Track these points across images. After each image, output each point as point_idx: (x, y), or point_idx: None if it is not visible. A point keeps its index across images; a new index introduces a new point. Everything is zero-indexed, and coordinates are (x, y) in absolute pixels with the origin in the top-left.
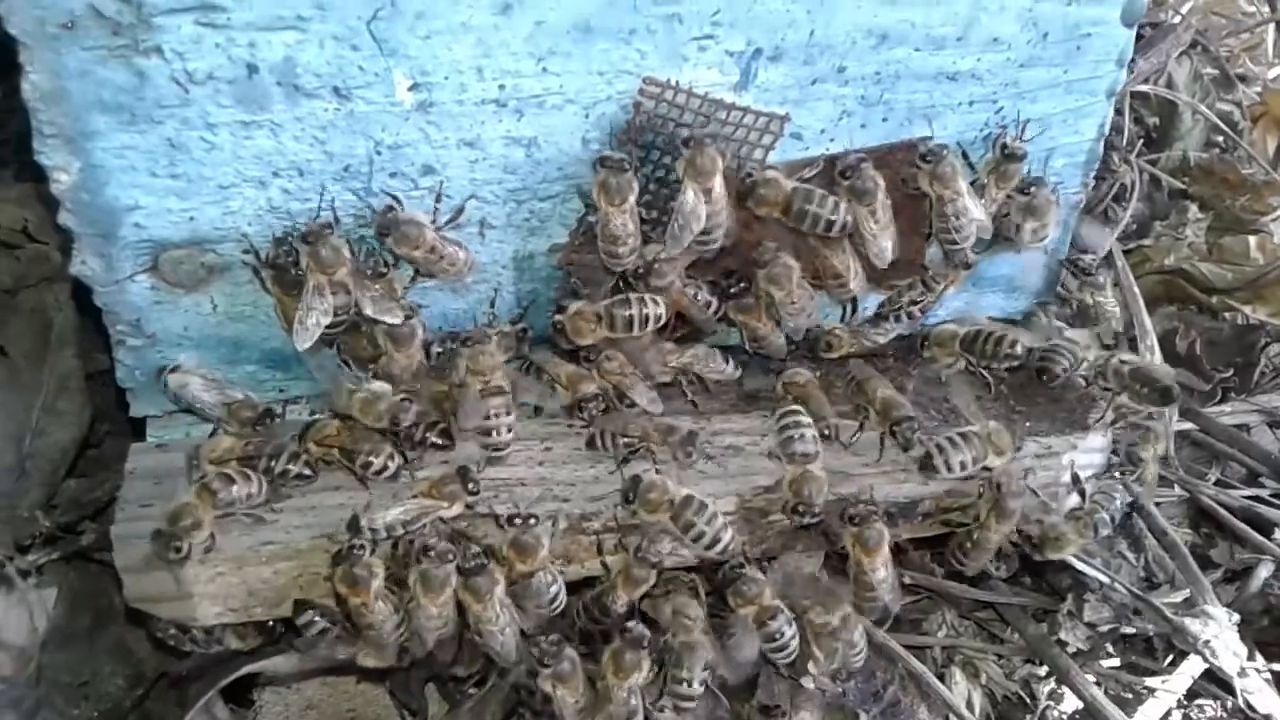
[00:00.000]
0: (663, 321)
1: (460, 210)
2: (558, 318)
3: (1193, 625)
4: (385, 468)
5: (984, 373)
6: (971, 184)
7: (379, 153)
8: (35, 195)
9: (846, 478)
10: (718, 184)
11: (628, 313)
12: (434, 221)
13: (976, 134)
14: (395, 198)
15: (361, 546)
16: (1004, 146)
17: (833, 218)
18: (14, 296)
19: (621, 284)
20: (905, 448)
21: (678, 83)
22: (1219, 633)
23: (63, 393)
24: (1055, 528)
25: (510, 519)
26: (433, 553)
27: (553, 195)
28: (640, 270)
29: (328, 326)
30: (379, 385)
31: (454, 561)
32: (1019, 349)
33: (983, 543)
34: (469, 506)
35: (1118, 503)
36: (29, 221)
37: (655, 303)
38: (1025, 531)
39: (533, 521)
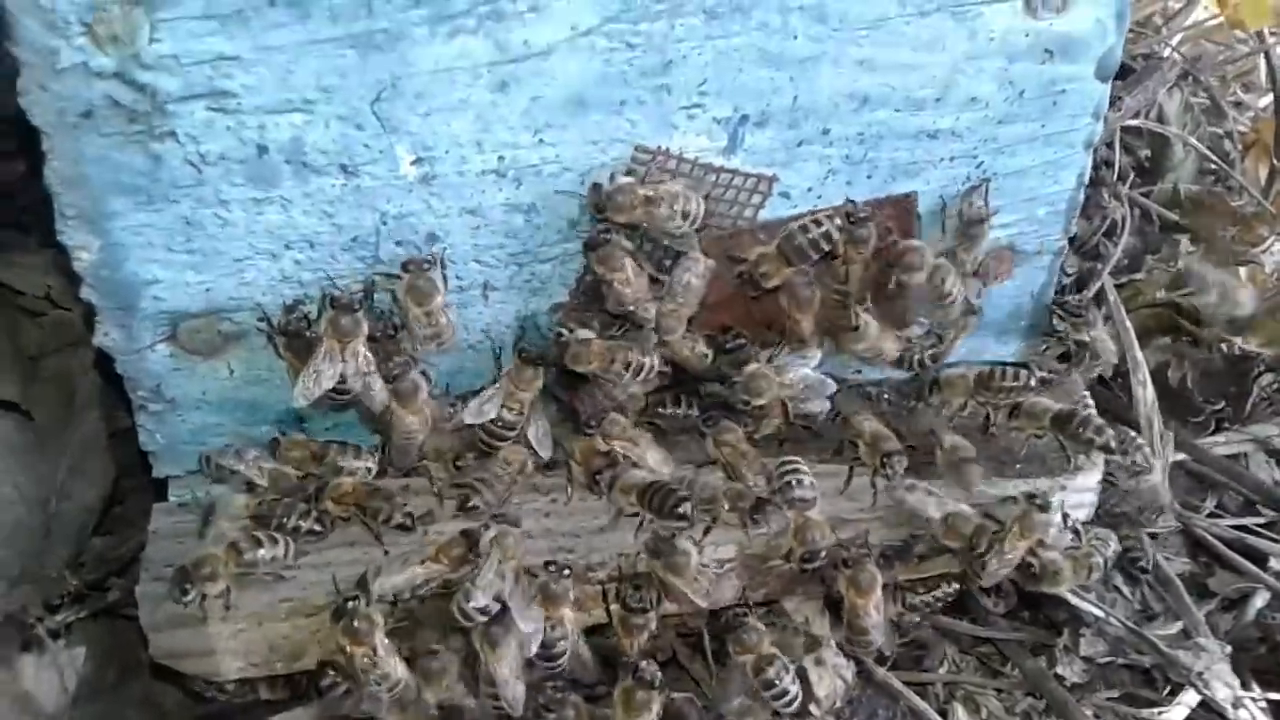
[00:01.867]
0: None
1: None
2: (563, 336)
3: (1185, 658)
4: (403, 524)
5: (991, 411)
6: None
7: (385, 223)
8: (57, 262)
9: (842, 522)
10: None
11: (632, 359)
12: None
13: (958, 188)
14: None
15: (356, 598)
16: (961, 214)
17: (822, 230)
18: (38, 362)
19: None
20: (889, 478)
21: (668, 149)
22: (1212, 664)
23: (87, 455)
24: (1054, 562)
25: (546, 565)
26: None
27: (553, 257)
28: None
29: (336, 392)
30: None
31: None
32: (1033, 381)
33: (1004, 555)
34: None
35: (1111, 550)
36: (51, 288)
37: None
38: (1025, 562)
39: (566, 573)
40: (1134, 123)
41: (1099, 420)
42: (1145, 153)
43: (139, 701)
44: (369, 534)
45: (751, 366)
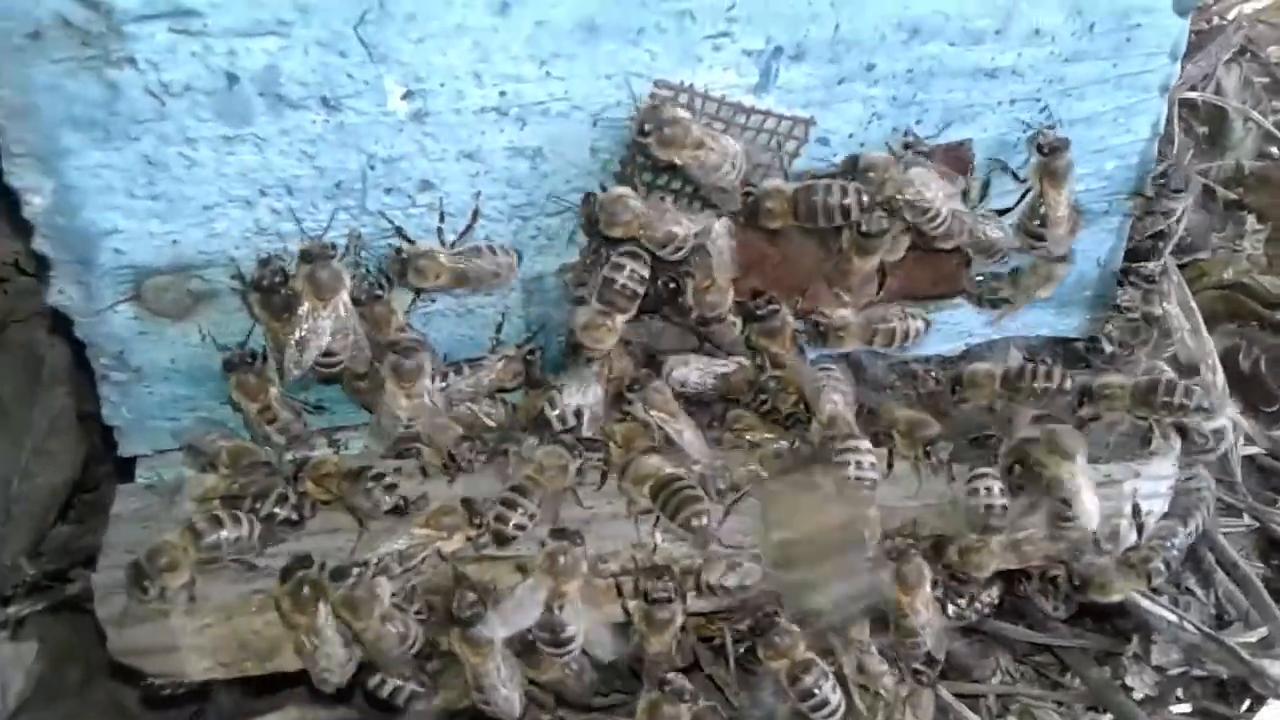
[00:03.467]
0: None
1: (471, 224)
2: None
3: (1272, 668)
4: (386, 502)
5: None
6: (1024, 195)
7: (372, 167)
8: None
9: (889, 512)
10: None
11: None
12: (445, 244)
13: (1019, 136)
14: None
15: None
16: (1040, 145)
17: (845, 201)
18: (3, 333)
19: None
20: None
21: (692, 85)
22: None
23: (53, 433)
24: (1103, 571)
25: (554, 532)
26: None
27: (561, 211)
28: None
29: (324, 363)
30: None
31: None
32: (1069, 384)
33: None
34: (470, 540)
35: (1177, 545)
36: (20, 255)
37: None
38: (1071, 570)
39: (578, 541)
40: (1192, 95)
41: (1187, 382)
42: (1203, 129)
43: (102, 705)
44: (352, 520)
45: None
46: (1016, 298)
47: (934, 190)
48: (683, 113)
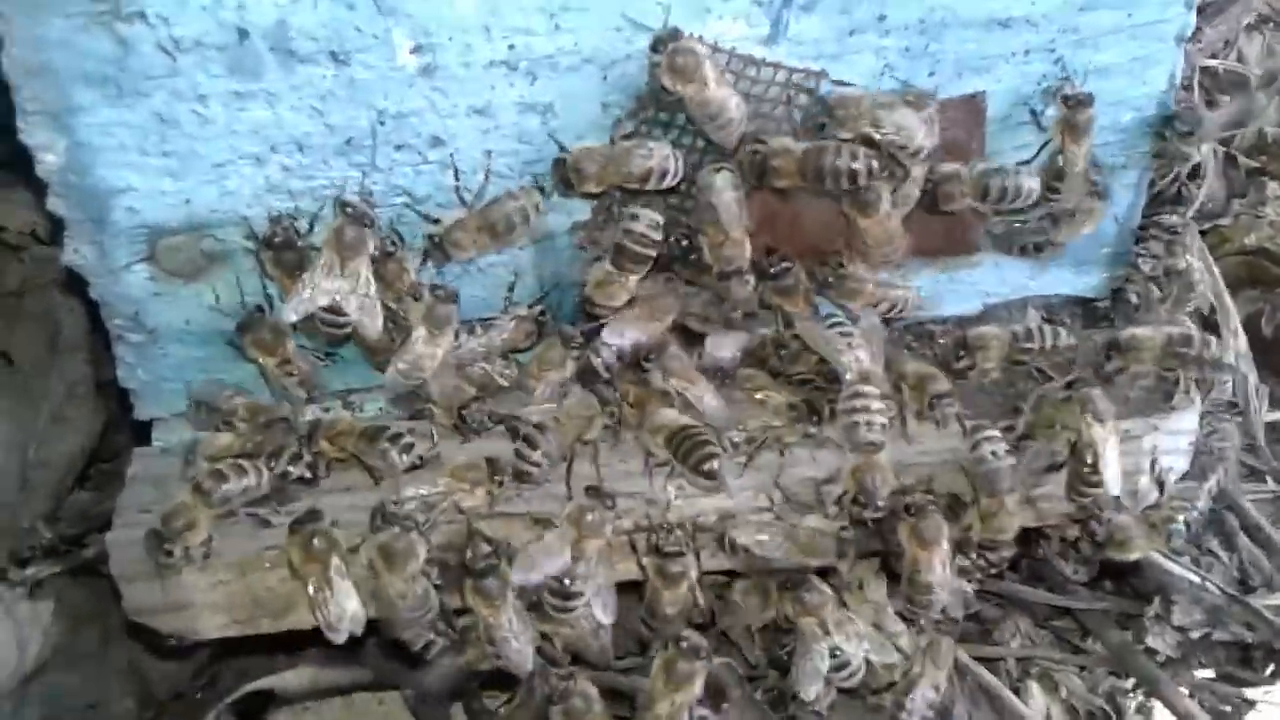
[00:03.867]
0: None
1: (485, 182)
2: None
3: None
4: (402, 461)
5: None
6: (1044, 146)
7: (382, 123)
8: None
9: (903, 468)
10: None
11: None
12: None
13: (1034, 87)
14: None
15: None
16: (1065, 97)
17: (855, 165)
18: (20, 300)
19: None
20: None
21: (701, 37)
22: None
23: (71, 400)
24: (1123, 528)
25: (588, 489)
26: None
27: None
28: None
29: (331, 319)
30: None
31: None
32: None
33: None
34: (490, 495)
35: (1199, 508)
36: (38, 225)
37: None
38: (1090, 529)
39: (610, 504)
40: (1213, 63)
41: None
42: (1224, 97)
43: (122, 669)
44: (366, 479)
45: None
46: (1058, 238)
47: (910, 125)
48: (700, 47)
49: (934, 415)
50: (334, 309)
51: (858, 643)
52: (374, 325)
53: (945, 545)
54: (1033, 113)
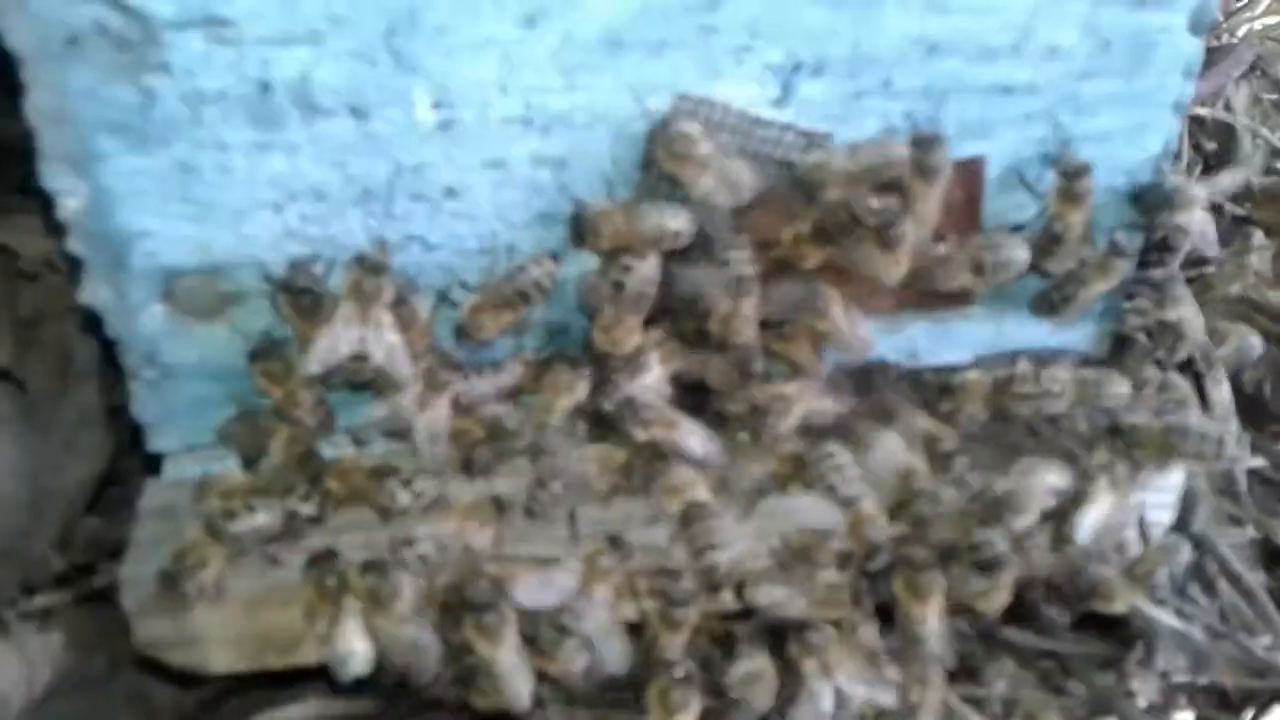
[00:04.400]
0: None
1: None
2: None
3: None
4: (405, 503)
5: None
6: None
7: (399, 175)
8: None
9: None
10: None
11: None
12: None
13: (1033, 151)
14: None
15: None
16: (1064, 169)
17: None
18: (34, 329)
19: None
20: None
21: (714, 99)
22: None
23: (82, 427)
24: (1106, 582)
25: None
26: None
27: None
28: None
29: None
30: None
31: None
32: (1057, 388)
33: None
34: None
35: (1181, 561)
36: (52, 252)
37: None
38: (1075, 582)
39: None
40: (1201, 112)
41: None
42: (1211, 145)
43: (127, 696)
44: (374, 517)
45: None
46: (1081, 294)
47: None
48: (694, 129)
49: (946, 476)
50: (357, 356)
51: (858, 683)
52: (402, 371)
53: (939, 599)
54: (1024, 182)
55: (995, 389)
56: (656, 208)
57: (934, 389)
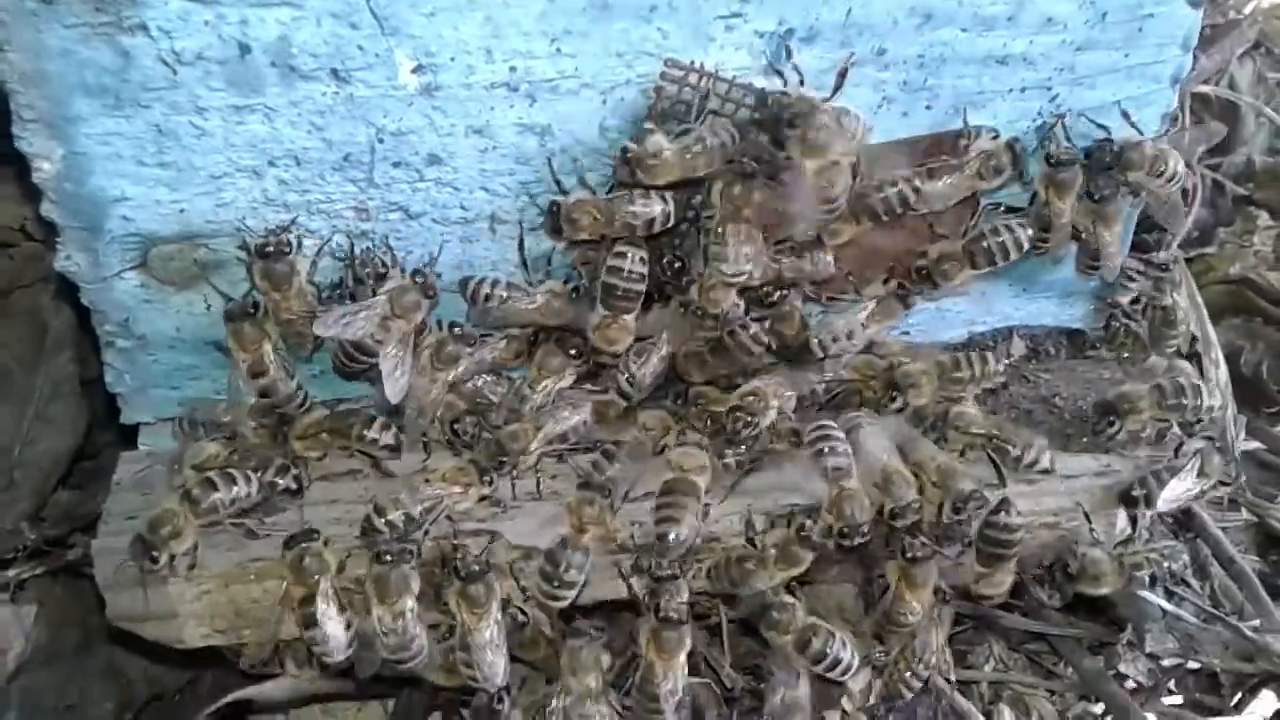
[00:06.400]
0: None
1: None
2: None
3: (1277, 643)
4: (379, 438)
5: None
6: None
7: (381, 140)
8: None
9: None
10: None
11: None
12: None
13: (1029, 123)
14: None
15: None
16: (1049, 157)
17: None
18: (7, 298)
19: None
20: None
21: (703, 65)
22: None
23: (56, 399)
24: (1097, 563)
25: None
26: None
27: (569, 188)
28: None
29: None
30: None
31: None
32: (1000, 365)
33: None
34: (484, 499)
35: (1174, 566)
36: (27, 220)
37: None
38: (1064, 562)
39: (606, 494)
40: (1205, 89)
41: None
42: (1215, 123)
43: (101, 670)
44: (352, 492)
45: None
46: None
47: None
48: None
49: (958, 518)
50: (363, 348)
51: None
52: (397, 387)
53: (930, 591)
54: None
55: (940, 376)
56: (632, 197)
57: (881, 388)
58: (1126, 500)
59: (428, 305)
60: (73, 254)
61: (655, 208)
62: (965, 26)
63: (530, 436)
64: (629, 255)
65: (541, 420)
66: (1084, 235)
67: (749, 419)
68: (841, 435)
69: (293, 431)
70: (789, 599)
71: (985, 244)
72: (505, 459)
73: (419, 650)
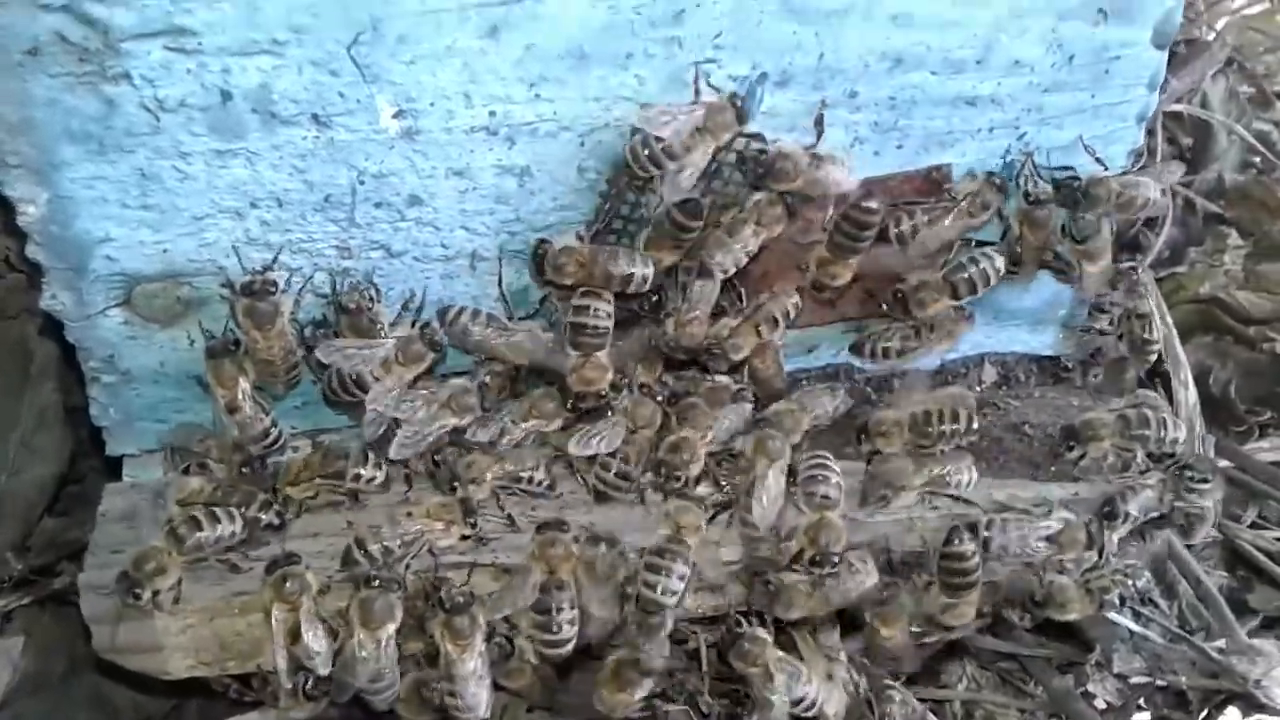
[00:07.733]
0: None
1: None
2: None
3: (1240, 664)
4: (374, 476)
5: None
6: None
7: (362, 182)
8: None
9: (859, 525)
10: None
11: None
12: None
13: (998, 161)
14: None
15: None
16: (1027, 195)
17: None
18: None
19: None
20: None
21: (677, 109)
22: (1270, 669)
23: (41, 427)
24: (1063, 590)
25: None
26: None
27: (547, 226)
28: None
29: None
30: None
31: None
32: (976, 424)
33: None
34: (466, 539)
35: (1139, 584)
36: (10, 251)
37: None
38: (1030, 590)
39: (565, 528)
40: (1177, 108)
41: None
42: (1187, 141)
43: (87, 698)
44: (333, 525)
45: None
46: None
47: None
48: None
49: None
50: (359, 382)
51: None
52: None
53: (905, 622)
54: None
55: (912, 428)
56: (625, 252)
57: (854, 431)
58: (1097, 522)
59: (432, 359)
60: (58, 293)
61: (638, 269)
62: (935, 70)
63: (484, 468)
64: (599, 293)
65: (505, 455)
66: (1069, 271)
67: (674, 474)
68: (837, 469)
69: (283, 478)
70: (759, 633)
71: (966, 274)
72: (457, 485)
73: (392, 682)
